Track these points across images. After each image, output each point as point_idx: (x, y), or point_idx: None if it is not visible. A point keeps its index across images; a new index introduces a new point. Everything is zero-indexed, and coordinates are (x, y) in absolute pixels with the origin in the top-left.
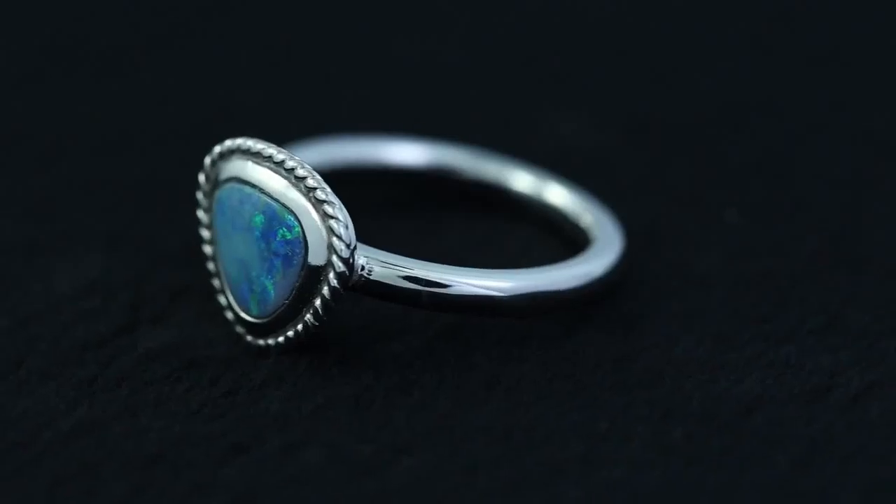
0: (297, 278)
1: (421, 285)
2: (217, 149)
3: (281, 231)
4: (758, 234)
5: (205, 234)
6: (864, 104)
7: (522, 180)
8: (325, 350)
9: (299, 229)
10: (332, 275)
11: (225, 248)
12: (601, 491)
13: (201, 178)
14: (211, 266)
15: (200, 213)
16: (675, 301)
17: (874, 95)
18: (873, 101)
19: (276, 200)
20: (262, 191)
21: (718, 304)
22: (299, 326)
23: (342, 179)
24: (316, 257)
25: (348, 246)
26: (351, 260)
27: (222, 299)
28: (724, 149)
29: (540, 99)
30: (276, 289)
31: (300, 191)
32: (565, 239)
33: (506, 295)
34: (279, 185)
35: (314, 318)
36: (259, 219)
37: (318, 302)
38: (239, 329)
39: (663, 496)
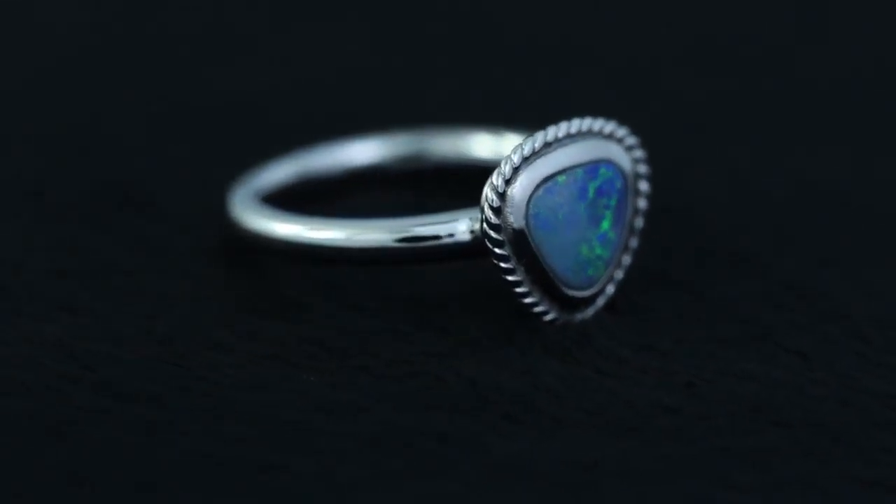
0: (627, 207)
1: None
2: (499, 177)
3: (604, 182)
4: None
5: (506, 265)
6: None
7: (480, 142)
8: None
9: (615, 169)
10: (643, 185)
11: (555, 248)
12: None
13: (490, 214)
14: (522, 289)
15: (495, 248)
16: None
17: None
18: None
19: (583, 164)
20: (567, 170)
21: None
22: (625, 259)
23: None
24: (631, 178)
25: (643, 150)
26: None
27: (541, 308)
28: None
29: None
30: (616, 234)
31: (588, 140)
32: None
33: None
34: (578, 151)
35: (638, 239)
36: (584, 187)
37: (638, 221)
38: (568, 316)
39: None
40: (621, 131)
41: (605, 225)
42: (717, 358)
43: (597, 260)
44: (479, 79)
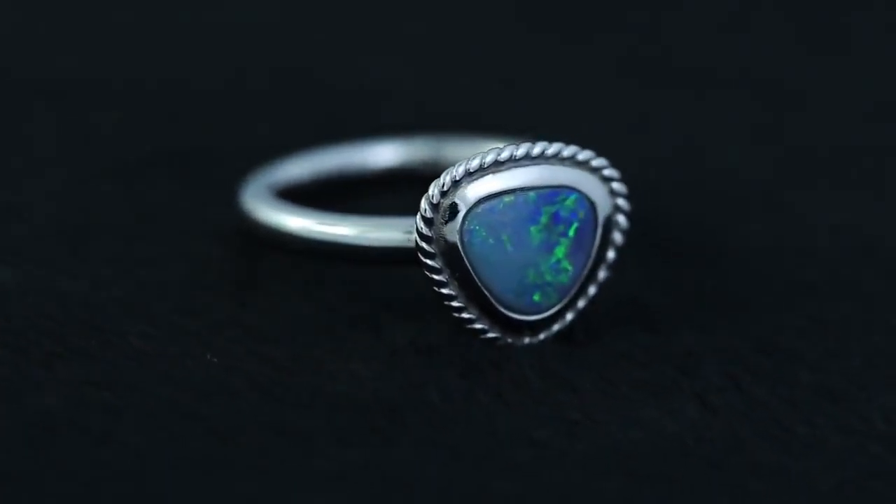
0: (593, 240)
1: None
2: (436, 190)
3: (564, 209)
4: None
5: (439, 277)
6: None
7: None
8: None
9: (580, 196)
10: (621, 218)
11: (493, 268)
12: None
13: (421, 225)
14: (455, 303)
15: (426, 259)
16: None
17: None
18: None
19: (543, 187)
20: (523, 189)
21: None
22: (591, 290)
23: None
24: (604, 210)
25: (624, 185)
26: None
27: (480, 325)
28: None
29: None
30: (574, 265)
31: (557, 164)
32: None
33: None
34: (535, 173)
35: (609, 271)
36: (536, 214)
37: (611, 254)
38: (512, 339)
39: None
40: (598, 161)
41: (560, 253)
42: (624, 401)
43: (546, 286)
44: (522, 91)
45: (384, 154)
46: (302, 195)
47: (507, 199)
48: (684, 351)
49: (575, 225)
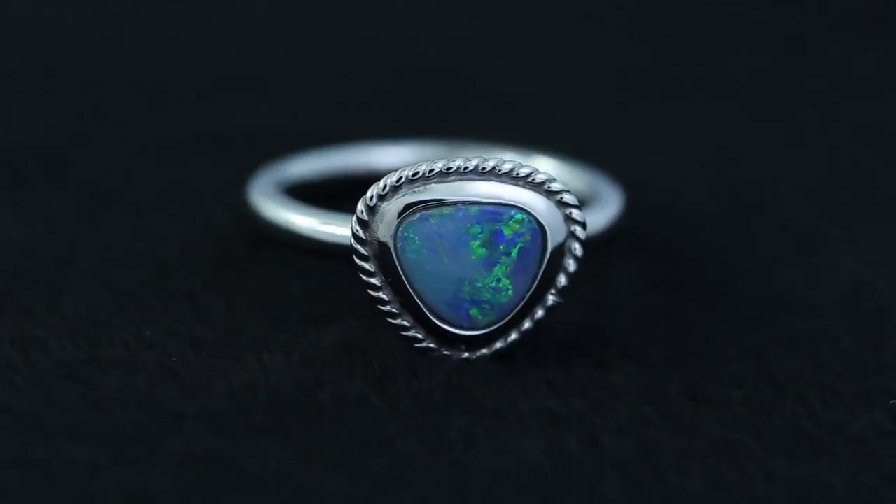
0: (540, 264)
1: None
2: (373, 192)
3: (508, 228)
4: None
5: (372, 280)
6: None
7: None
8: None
9: (529, 218)
10: (575, 245)
11: (426, 278)
12: None
13: (356, 226)
14: (389, 308)
15: (360, 262)
16: None
17: None
18: None
19: (488, 203)
20: (465, 203)
21: None
22: (539, 314)
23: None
24: (556, 235)
25: (581, 212)
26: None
27: (413, 333)
28: None
29: None
30: (514, 286)
31: (509, 183)
32: None
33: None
34: (484, 188)
35: (559, 296)
36: (476, 229)
37: (562, 279)
38: (446, 351)
39: None
40: (556, 185)
41: (499, 272)
42: (512, 428)
43: (483, 304)
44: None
45: (396, 155)
46: (310, 193)
47: (445, 210)
48: (612, 386)
49: (519, 246)
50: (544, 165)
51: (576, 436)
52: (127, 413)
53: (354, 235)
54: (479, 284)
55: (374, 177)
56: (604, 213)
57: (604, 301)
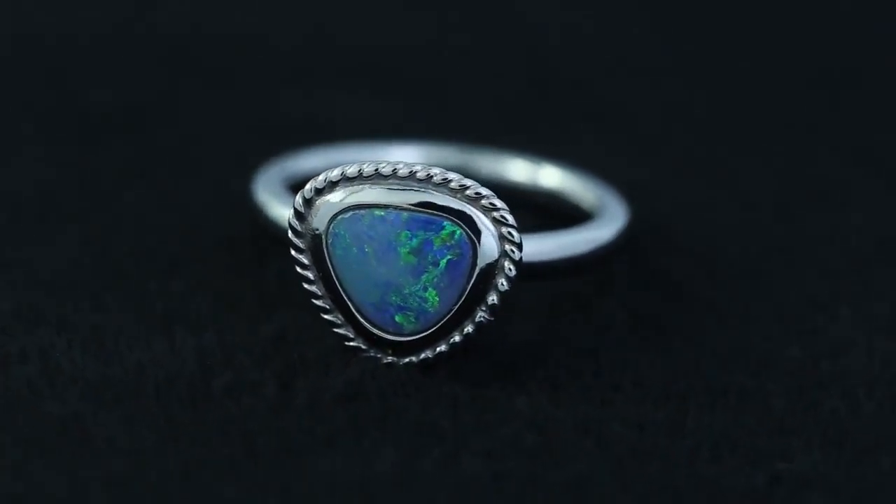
0: (469, 279)
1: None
2: (312, 185)
3: (438, 239)
4: None
5: (307, 273)
6: None
7: (518, 168)
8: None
9: (460, 231)
10: (507, 264)
11: (354, 278)
12: None
13: (292, 219)
14: (321, 303)
15: (296, 254)
16: None
17: None
18: None
19: (422, 211)
20: (398, 208)
21: None
22: (469, 328)
23: None
24: (487, 252)
25: (518, 232)
26: (522, 245)
27: (344, 331)
28: None
29: None
30: (441, 297)
31: (446, 194)
32: (569, 218)
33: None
34: (419, 196)
35: (489, 314)
36: (405, 235)
37: (492, 297)
38: (375, 353)
39: None
40: (497, 202)
41: (426, 281)
42: (373, 439)
43: (408, 311)
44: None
45: (402, 155)
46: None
47: (377, 212)
48: (512, 411)
49: (447, 258)
50: (552, 175)
51: (439, 453)
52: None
53: (291, 227)
54: (406, 291)
55: None
56: (601, 231)
57: (564, 324)
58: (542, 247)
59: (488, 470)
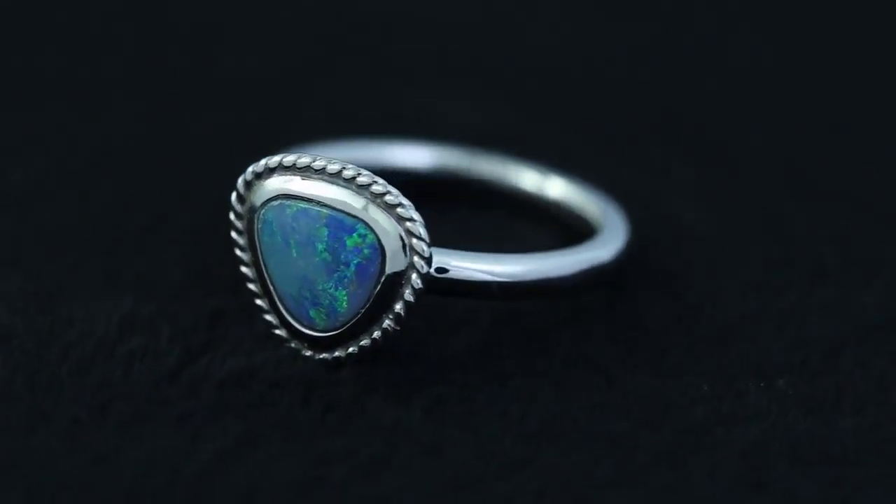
0: (376, 285)
1: (495, 277)
2: (252, 168)
3: (351, 240)
4: None
5: (243, 255)
6: None
7: (526, 177)
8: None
9: (372, 236)
10: (414, 276)
11: (277, 266)
12: None
13: (234, 200)
14: (254, 287)
15: (235, 236)
16: None
17: None
18: None
19: (340, 211)
20: (321, 203)
21: None
22: (376, 334)
23: None
24: (395, 261)
25: (429, 246)
26: (432, 260)
27: (271, 318)
28: None
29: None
30: (350, 299)
31: (366, 198)
32: (574, 231)
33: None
34: (340, 195)
35: (395, 323)
36: (323, 231)
37: (398, 306)
38: (296, 345)
39: None
40: (414, 214)
41: (336, 279)
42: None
43: (320, 307)
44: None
45: (409, 155)
46: None
47: (301, 204)
48: (399, 425)
49: (357, 261)
50: (558, 186)
51: (275, 451)
52: None
53: (232, 208)
54: (320, 288)
55: (383, 174)
56: (600, 251)
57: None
58: (517, 268)
59: (307, 475)
